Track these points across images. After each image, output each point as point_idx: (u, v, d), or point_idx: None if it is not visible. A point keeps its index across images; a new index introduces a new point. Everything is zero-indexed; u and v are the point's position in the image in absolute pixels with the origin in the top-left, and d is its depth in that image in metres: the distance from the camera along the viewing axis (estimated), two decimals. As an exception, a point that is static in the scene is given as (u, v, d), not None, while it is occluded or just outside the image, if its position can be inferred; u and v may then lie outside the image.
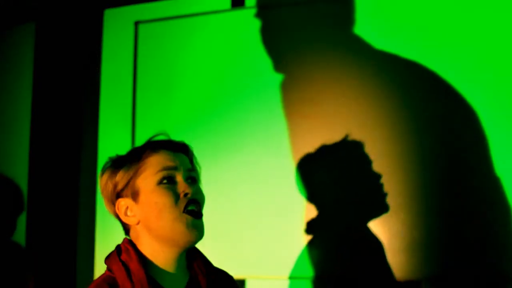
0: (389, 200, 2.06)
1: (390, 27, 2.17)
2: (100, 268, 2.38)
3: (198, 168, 1.41)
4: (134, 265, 1.27)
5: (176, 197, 1.29)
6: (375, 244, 2.08)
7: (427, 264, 2.03)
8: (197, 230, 1.30)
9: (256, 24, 2.36)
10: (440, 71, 2.09)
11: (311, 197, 2.16)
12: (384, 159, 2.10)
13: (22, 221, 2.51)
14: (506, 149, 1.99)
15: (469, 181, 2.02)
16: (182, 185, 1.31)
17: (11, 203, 2.58)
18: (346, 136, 2.12)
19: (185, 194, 1.30)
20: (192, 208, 1.30)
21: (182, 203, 1.29)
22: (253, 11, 2.36)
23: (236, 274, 1.51)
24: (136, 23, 2.53)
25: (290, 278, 2.16)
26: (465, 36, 2.08)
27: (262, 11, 2.35)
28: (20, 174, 2.56)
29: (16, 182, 2.58)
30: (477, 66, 2.05)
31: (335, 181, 2.19)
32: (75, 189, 2.54)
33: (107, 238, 2.38)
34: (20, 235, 2.52)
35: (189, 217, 1.29)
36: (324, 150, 2.15)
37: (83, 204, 2.52)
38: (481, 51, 2.05)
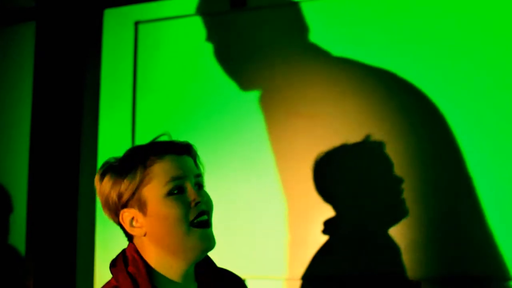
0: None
1: (390, 27, 2.17)
2: (100, 271, 2.38)
3: (202, 169, 1.35)
4: (142, 280, 1.22)
5: (187, 207, 1.24)
6: (381, 244, 2.08)
7: (427, 264, 2.03)
8: (209, 241, 1.26)
9: (256, 24, 2.36)
10: (440, 71, 2.10)
11: (326, 198, 2.16)
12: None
13: (22, 222, 2.51)
14: (507, 150, 1.99)
15: (469, 182, 2.02)
16: (191, 193, 1.26)
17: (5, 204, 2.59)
18: (368, 137, 2.12)
19: (196, 203, 1.25)
20: (202, 219, 1.25)
21: (193, 213, 1.24)
22: (253, 11, 2.36)
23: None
24: (136, 23, 2.53)
25: (290, 278, 2.16)
26: (462, 34, 2.08)
27: (262, 11, 2.35)
28: (20, 175, 2.56)
29: (16, 182, 2.58)
30: (478, 66, 2.05)
31: (346, 183, 2.19)
32: (75, 189, 2.53)
33: (107, 240, 2.38)
34: (20, 237, 2.52)
35: (199, 230, 1.24)
36: (339, 150, 2.15)
37: (83, 205, 2.51)
38: (481, 51, 2.05)
